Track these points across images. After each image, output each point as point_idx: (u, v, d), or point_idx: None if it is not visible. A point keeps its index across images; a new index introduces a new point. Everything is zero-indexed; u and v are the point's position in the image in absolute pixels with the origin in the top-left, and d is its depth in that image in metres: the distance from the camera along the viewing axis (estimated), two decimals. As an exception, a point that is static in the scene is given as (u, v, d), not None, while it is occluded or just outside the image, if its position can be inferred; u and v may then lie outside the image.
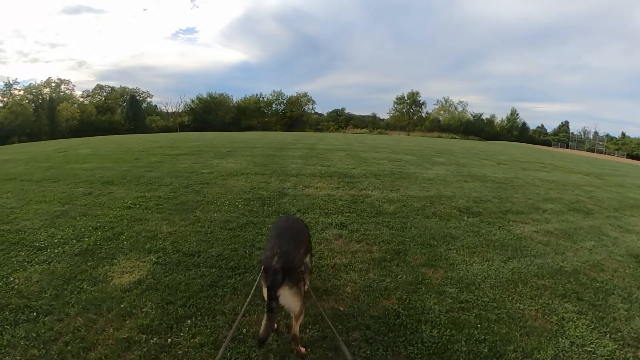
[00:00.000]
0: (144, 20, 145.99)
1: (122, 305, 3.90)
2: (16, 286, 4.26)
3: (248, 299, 3.09)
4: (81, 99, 73.16)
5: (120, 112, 68.42)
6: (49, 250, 5.25)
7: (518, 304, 4.25)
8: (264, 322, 2.72)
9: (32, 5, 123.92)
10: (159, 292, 4.18)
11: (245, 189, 8.71)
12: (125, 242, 5.51)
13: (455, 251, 5.62)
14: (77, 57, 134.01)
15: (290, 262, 2.93)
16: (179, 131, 59.13)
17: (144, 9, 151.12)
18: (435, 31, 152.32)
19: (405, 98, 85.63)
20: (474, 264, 5.20)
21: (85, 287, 4.26)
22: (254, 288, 3.15)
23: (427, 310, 4.00)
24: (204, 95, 76.01)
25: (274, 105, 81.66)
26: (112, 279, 4.45)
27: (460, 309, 4.07)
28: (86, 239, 5.62)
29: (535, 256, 5.69)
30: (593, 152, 68.59)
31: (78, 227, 6.16)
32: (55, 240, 5.57)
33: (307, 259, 3.72)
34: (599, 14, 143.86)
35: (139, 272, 4.63)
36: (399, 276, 4.71)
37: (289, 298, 2.84)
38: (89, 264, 4.84)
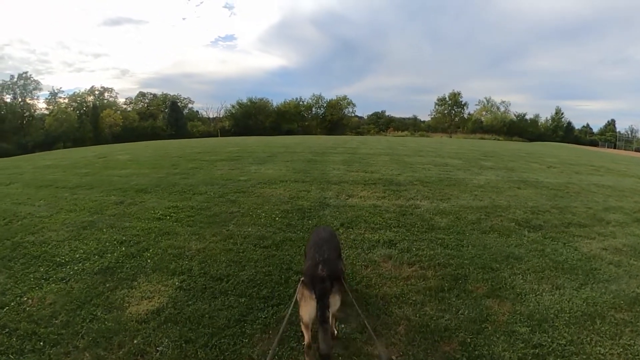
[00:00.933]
0: (183, 29, 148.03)
1: (135, 341, 3.39)
2: (28, 308, 3.98)
3: (289, 310, 2.96)
4: (124, 106, 75.23)
5: (162, 118, 69.67)
6: (69, 266, 4.93)
7: (599, 347, 3.44)
8: (320, 336, 2.60)
9: (74, 17, 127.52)
10: (179, 325, 3.62)
11: (284, 198, 8.12)
12: (149, 261, 5.03)
13: (520, 276, 4.81)
14: (120, 66, 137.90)
15: (335, 270, 2.95)
16: (220, 136, 59.67)
17: (183, 18, 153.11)
18: (472, 29, 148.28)
19: (447, 99, 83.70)
20: (544, 293, 4.39)
21: (99, 314, 3.82)
22: (293, 301, 3.00)
23: (497, 358, 3.26)
24: (244, 100, 76.62)
25: (313, 109, 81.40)
26: (129, 306, 3.96)
27: (535, 355, 3.30)
28: (109, 255, 5.24)
29: (608, 281, 4.82)
30: None
31: (103, 240, 5.81)
32: (77, 256, 5.25)
33: (341, 265, 3.55)
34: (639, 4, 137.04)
35: (159, 298, 4.10)
36: (460, 311, 3.95)
37: (337, 304, 2.85)
38: (108, 285, 4.42)
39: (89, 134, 60.87)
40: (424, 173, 11.89)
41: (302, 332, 3.10)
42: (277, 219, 6.68)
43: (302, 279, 2.95)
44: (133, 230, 6.22)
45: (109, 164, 14.85)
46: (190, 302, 4.00)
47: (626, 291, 4.55)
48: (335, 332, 3.35)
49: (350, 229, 6.24)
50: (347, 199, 8.18)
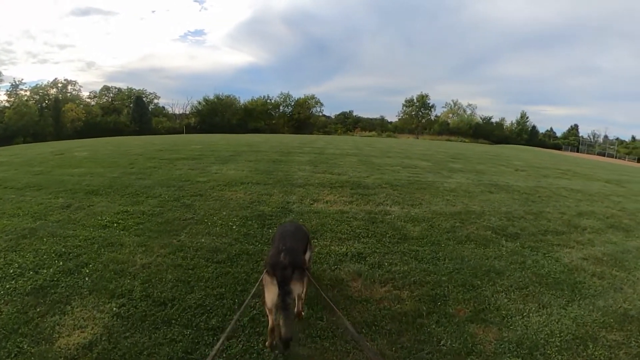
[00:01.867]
0: (152, 22, 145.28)
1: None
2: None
3: (249, 297, 3.02)
4: (88, 100, 72.86)
5: (127, 114, 67.79)
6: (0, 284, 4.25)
7: (596, 377, 3.07)
8: (282, 321, 2.70)
9: (41, 6, 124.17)
10: (112, 366, 3.02)
11: (244, 203, 7.54)
12: (87, 279, 4.39)
13: (504, 294, 4.40)
14: (86, 58, 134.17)
15: (297, 259, 3.04)
16: (185, 133, 58.65)
17: (153, 11, 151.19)
18: (444, 33, 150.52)
19: (415, 101, 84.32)
20: (531, 314, 3.99)
21: (25, 347, 3.24)
22: (255, 286, 3.10)
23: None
24: (211, 97, 75.34)
25: (281, 108, 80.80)
26: (59, 337, 3.36)
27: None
28: (44, 271, 4.58)
29: (595, 296, 4.53)
30: (604, 155, 67.16)
31: (41, 252, 5.14)
32: (11, 271, 4.59)
33: (307, 256, 3.74)
34: (610, 15, 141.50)
35: (93, 328, 3.48)
36: (442, 341, 3.46)
37: (299, 288, 2.97)
38: (39, 309, 3.79)
39: (50, 129, 58.62)
40: (393, 175, 11.51)
41: (266, 316, 3.21)
42: (234, 227, 6.10)
43: (265, 269, 3.03)
44: (75, 240, 5.56)
45: (65, 161, 14.01)
46: (127, 334, 3.41)
47: (614, 307, 4.30)
48: (303, 313, 3.55)
49: (315, 240, 5.68)
50: (311, 203, 7.68)
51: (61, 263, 4.79)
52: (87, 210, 7.06)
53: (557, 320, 3.90)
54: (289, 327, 2.71)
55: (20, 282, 4.32)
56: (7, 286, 4.21)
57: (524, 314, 3.99)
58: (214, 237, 5.66)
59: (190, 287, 4.21)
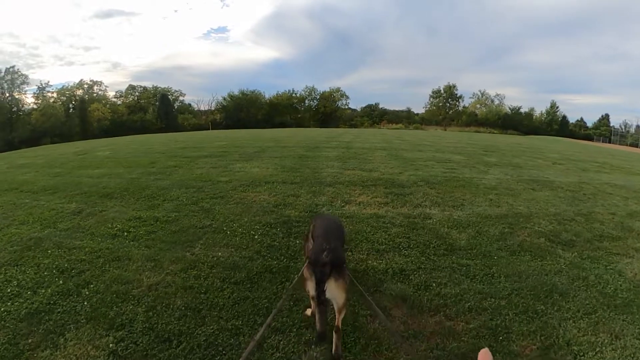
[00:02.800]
0: (175, 21, 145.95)
1: None
2: None
3: (285, 295, 3.30)
4: (114, 100, 73.48)
5: (152, 111, 68.06)
6: (-5, 307, 3.69)
7: None
8: (317, 316, 2.84)
9: (65, 10, 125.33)
10: None
11: (268, 206, 6.85)
12: (85, 303, 3.76)
13: (572, 322, 3.59)
14: (111, 59, 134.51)
15: (338, 257, 2.98)
16: (211, 129, 58.65)
17: (175, 10, 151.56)
18: (467, 22, 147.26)
19: (442, 91, 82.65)
20: (604, 348, 3.18)
21: None
22: (294, 281, 3.18)
23: None
24: (236, 93, 75.09)
25: (306, 101, 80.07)
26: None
27: None
28: (43, 291, 4.04)
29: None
30: (637, 147, 64.23)
31: (43, 267, 4.62)
32: (9, 290, 4.08)
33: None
34: None
35: (83, 371, 2.84)
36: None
37: (334, 291, 2.87)
38: (31, 340, 3.22)
39: (77, 129, 59.43)
40: (427, 171, 10.69)
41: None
42: (256, 237, 5.39)
43: (307, 261, 3.04)
44: (80, 252, 4.98)
45: (85, 161, 13.76)
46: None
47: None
48: (339, 328, 3.13)
49: (349, 252, 4.94)
50: (343, 206, 6.94)
51: (61, 281, 4.21)
52: (98, 216, 6.53)
53: (632, 355, 3.14)
54: (322, 322, 2.80)
55: (16, 304, 3.78)
56: (3, 309, 3.68)
57: (597, 349, 3.19)
58: (233, 250, 4.97)
59: (201, 318, 3.50)
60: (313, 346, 3.17)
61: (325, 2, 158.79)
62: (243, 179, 9.06)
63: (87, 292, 3.96)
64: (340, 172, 10.14)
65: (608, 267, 4.90)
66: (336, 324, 3.10)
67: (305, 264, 3.04)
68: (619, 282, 4.47)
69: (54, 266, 4.60)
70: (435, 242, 5.36)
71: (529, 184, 9.69)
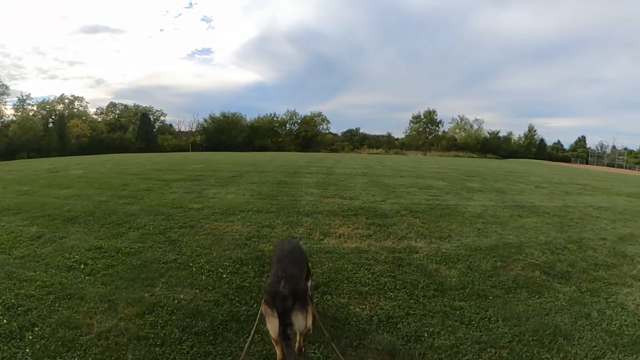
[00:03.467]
0: (160, 41, 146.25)
1: None
2: None
3: (254, 329, 2.94)
4: (95, 116, 72.62)
5: (132, 130, 67.25)
6: None
7: None
8: (283, 351, 2.68)
9: (51, 23, 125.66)
10: None
11: (241, 238, 6.33)
12: (28, 350, 3.30)
13: None
14: (95, 75, 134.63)
15: (298, 286, 2.86)
16: (191, 150, 58.16)
17: (161, 30, 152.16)
18: (448, 48, 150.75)
19: (422, 117, 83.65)
20: None
21: None
22: (258, 316, 2.88)
23: None
24: (217, 115, 74.80)
25: (288, 125, 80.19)
26: None
27: None
28: (-17, 332, 3.45)
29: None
30: (613, 166, 66.07)
31: (-15, 305, 4.01)
32: None
33: (309, 284, 3.60)
34: (610, 25, 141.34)
35: None
36: None
37: (301, 321, 2.72)
38: None
39: (55, 144, 58.45)
40: (410, 199, 10.33)
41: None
42: (224, 275, 4.84)
43: (265, 296, 2.86)
44: (32, 286, 4.46)
45: (56, 180, 13.13)
46: None
47: None
48: (303, 349, 3.20)
49: (328, 296, 4.44)
50: (321, 239, 6.46)
51: (5, 321, 3.71)
52: (57, 243, 6.00)
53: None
54: (290, 357, 2.61)
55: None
56: None
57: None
58: (197, 291, 4.42)
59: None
60: None
61: (309, 28, 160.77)
62: (216, 206, 8.56)
63: (30, 337, 3.45)
64: (320, 200, 9.72)
65: (609, 300, 4.63)
66: (299, 345, 3.13)
67: (263, 299, 2.87)
68: (623, 317, 4.20)
69: (1, 301, 4.09)
70: (424, 281, 4.92)
71: (514, 210, 9.49)
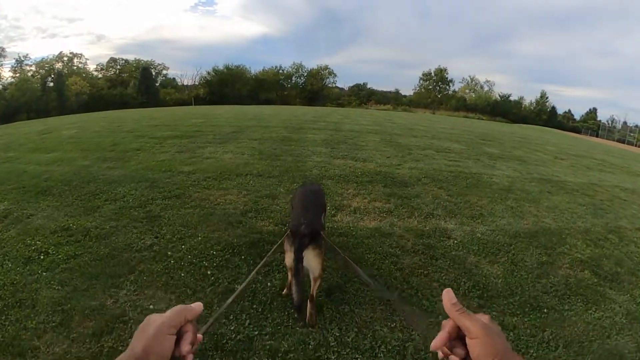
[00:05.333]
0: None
1: None
2: None
3: (269, 254, 2.67)
4: (95, 73, 70.27)
5: (133, 86, 65.65)
6: None
7: None
8: (294, 288, 2.80)
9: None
10: None
11: (235, 213, 5.24)
12: None
13: None
14: (95, 32, 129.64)
15: (315, 228, 3.04)
16: (194, 104, 56.51)
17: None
18: (461, 7, 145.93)
19: (432, 74, 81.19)
20: None
21: None
22: (273, 248, 2.71)
23: None
24: (221, 67, 72.50)
25: (293, 78, 77.65)
26: None
27: None
28: None
29: None
30: (623, 142, 63.72)
31: None
32: None
33: (322, 219, 3.62)
34: None
35: None
36: None
37: (312, 259, 2.94)
38: None
39: (54, 103, 56.51)
40: (429, 163, 9.26)
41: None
42: (209, 271, 3.73)
43: (287, 232, 3.08)
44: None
45: (44, 143, 12.12)
46: None
47: None
48: (314, 317, 3.19)
49: (346, 306, 3.34)
50: (333, 214, 5.38)
51: None
52: (23, 224, 4.99)
53: None
54: (299, 294, 2.76)
55: None
56: None
57: None
58: (173, 297, 3.32)
59: None
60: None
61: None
62: (209, 169, 7.51)
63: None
64: (329, 161, 8.65)
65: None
66: (311, 292, 3.16)
67: (285, 236, 3.11)
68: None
69: None
70: (465, 282, 3.85)
71: (542, 185, 8.50)
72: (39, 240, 4.45)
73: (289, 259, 2.98)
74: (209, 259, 3.95)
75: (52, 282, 3.56)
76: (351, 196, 6.16)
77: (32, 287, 3.50)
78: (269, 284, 3.56)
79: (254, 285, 3.46)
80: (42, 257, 4.06)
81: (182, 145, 10.18)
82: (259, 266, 2.54)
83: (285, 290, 3.45)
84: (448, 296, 0.81)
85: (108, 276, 3.64)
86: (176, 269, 3.76)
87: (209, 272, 3.69)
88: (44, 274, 3.72)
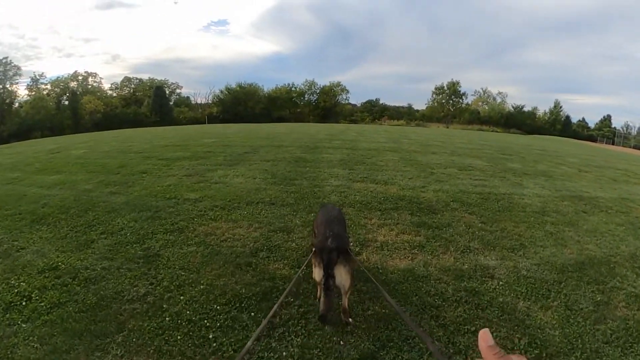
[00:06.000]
0: (175, 13, 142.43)
1: None
2: None
3: (298, 273, 3.10)
4: (110, 92, 70.92)
5: (147, 104, 65.90)
6: None
7: None
8: (322, 300, 2.83)
9: (65, 1, 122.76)
10: None
11: (244, 253, 4.56)
12: None
13: None
14: (111, 51, 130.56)
15: (343, 243, 3.10)
16: (207, 123, 56.56)
17: (175, 2, 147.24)
18: (471, 19, 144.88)
19: (445, 88, 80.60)
20: None
21: None
22: (304, 265, 3.12)
23: None
24: (233, 86, 72.62)
25: (306, 96, 77.52)
26: None
27: None
28: None
29: None
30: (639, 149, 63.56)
31: None
32: None
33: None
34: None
35: None
36: None
37: (343, 276, 2.94)
38: None
39: (68, 122, 57.03)
40: (454, 184, 8.59)
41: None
42: (210, 335, 3.04)
43: (314, 249, 3.10)
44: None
45: (52, 163, 11.84)
46: None
47: None
48: (350, 320, 3.27)
49: None
50: (358, 251, 4.70)
51: None
52: (11, 259, 4.52)
53: None
54: (326, 306, 2.79)
55: None
56: None
57: None
58: None
59: None
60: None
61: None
62: (219, 195, 6.93)
63: None
64: (348, 185, 8.02)
65: None
66: (343, 306, 3.21)
67: (312, 252, 3.11)
68: None
69: None
70: (519, 337, 3.16)
71: (575, 204, 7.80)
72: (24, 281, 3.92)
73: (317, 275, 2.96)
74: (212, 317, 3.27)
75: (30, 338, 3.00)
76: (376, 227, 5.50)
77: (9, 341, 2.98)
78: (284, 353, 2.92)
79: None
80: (24, 302, 3.53)
81: (190, 168, 9.64)
82: (291, 283, 2.91)
83: (318, 298, 3.29)
84: (485, 337, 0.71)
85: (93, 335, 3.03)
86: (172, 329, 3.09)
87: (211, 336, 3.00)
88: (24, 325, 3.17)
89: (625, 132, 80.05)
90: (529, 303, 3.74)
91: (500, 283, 4.07)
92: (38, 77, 63.68)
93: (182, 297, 3.59)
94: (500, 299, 3.74)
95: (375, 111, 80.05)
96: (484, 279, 4.14)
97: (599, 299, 3.92)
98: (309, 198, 6.84)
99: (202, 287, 3.76)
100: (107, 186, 7.93)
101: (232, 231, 5.23)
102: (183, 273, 4.05)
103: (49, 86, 64.50)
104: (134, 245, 4.77)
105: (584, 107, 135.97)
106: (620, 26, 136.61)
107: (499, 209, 6.83)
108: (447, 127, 65.67)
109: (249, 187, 7.56)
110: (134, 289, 3.76)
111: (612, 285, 4.24)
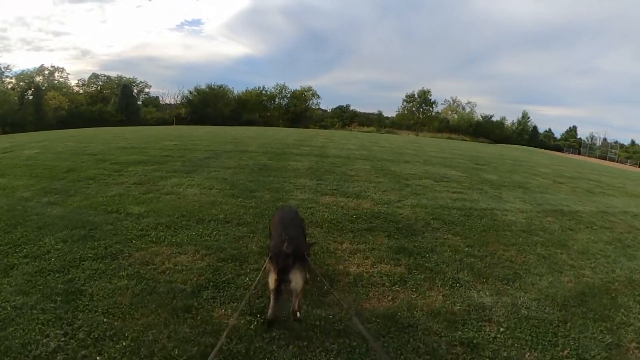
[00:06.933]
0: (149, 11, 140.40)
1: None
2: None
3: (256, 280, 3.20)
4: (76, 88, 68.79)
5: (113, 103, 64.02)
6: None
7: None
8: (271, 304, 2.95)
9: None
10: None
11: (186, 287, 3.71)
12: None
13: None
14: (81, 47, 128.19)
15: (299, 247, 3.10)
16: (175, 124, 55.29)
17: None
18: (444, 29, 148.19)
19: (416, 96, 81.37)
20: None
21: None
22: (262, 270, 3.09)
23: None
24: (203, 87, 71.33)
25: (277, 99, 76.97)
26: None
27: None
28: None
29: None
30: (605, 159, 66.11)
31: None
32: None
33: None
34: (610, 16, 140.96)
35: None
36: None
37: (299, 281, 2.95)
38: None
39: (30, 118, 54.81)
40: (432, 198, 8.01)
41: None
42: None
43: (270, 254, 3.10)
44: None
45: (-1, 164, 10.67)
46: None
47: None
48: (298, 314, 3.23)
49: None
50: (323, 292, 3.80)
51: None
52: None
53: None
54: (274, 310, 2.95)
55: None
56: None
57: None
58: None
59: None
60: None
61: (303, 0, 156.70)
62: (166, 210, 6.09)
63: None
64: (315, 198, 7.30)
65: None
66: (293, 308, 3.13)
67: (268, 258, 3.09)
68: None
69: None
70: None
71: (559, 220, 7.52)
72: None
73: (271, 281, 2.91)
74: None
75: None
76: (347, 254, 4.73)
77: None
78: None
79: None
80: None
81: (143, 175, 8.77)
82: (248, 295, 3.08)
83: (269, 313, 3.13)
84: None
85: None
86: None
87: None
88: None
89: (590, 142, 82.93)
90: (536, 354, 3.11)
91: (501, 329, 3.38)
92: (3, 70, 61.48)
93: (98, 359, 2.73)
94: (505, 353, 3.06)
95: (345, 117, 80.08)
96: (480, 324, 3.44)
97: (609, 340, 3.41)
98: (270, 215, 5.91)
99: (125, 343, 2.87)
100: (47, 194, 7.01)
101: (174, 259, 4.35)
102: (105, 320, 3.15)
103: (13, 80, 62.42)
104: (56, 275, 3.88)
105: (550, 118, 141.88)
106: (588, 41, 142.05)
107: (484, 228, 6.25)
108: (417, 135, 66.10)
109: (203, 200, 6.74)
110: (44, 340, 2.89)
111: (618, 321, 3.78)
